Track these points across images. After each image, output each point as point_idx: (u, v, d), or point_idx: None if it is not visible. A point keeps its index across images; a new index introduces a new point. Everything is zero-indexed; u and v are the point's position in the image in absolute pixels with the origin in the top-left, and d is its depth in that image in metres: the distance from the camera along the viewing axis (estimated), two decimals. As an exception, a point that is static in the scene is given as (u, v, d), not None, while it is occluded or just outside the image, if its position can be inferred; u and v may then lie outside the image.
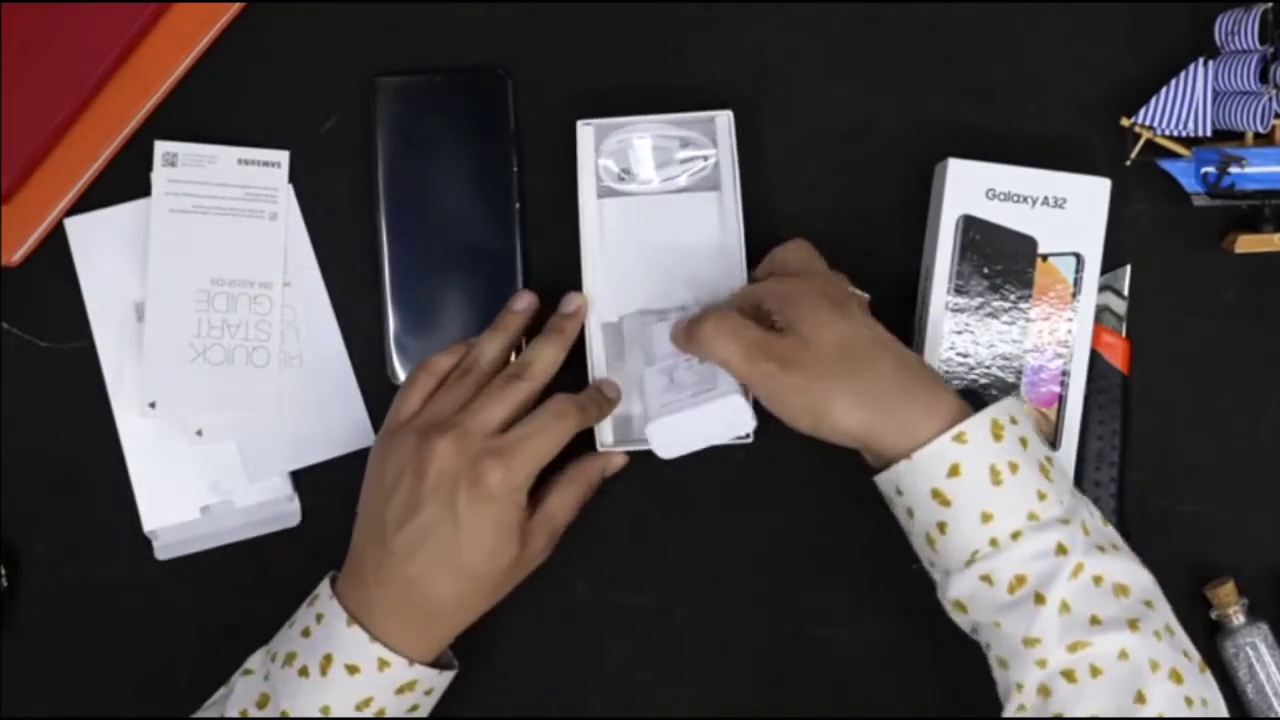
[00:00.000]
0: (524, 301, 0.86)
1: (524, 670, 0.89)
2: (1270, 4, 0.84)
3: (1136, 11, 0.89)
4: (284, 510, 0.89)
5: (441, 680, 0.81)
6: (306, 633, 0.79)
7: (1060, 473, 0.75)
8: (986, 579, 0.72)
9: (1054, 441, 0.84)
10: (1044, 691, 0.71)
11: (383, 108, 0.88)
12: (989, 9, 0.89)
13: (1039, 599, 0.71)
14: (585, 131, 0.85)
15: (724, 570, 0.89)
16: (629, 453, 0.86)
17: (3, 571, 0.88)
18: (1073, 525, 0.72)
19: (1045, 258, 0.84)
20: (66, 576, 0.89)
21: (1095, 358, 0.86)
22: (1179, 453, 0.89)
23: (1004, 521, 0.72)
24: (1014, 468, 0.73)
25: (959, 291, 0.84)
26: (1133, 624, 0.71)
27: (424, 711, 0.81)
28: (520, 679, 0.89)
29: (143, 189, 0.88)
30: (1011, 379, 0.84)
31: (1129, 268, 0.88)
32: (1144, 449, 0.88)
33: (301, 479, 0.89)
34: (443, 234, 0.88)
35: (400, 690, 0.78)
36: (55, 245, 0.88)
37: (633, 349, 0.85)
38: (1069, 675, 0.70)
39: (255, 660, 0.81)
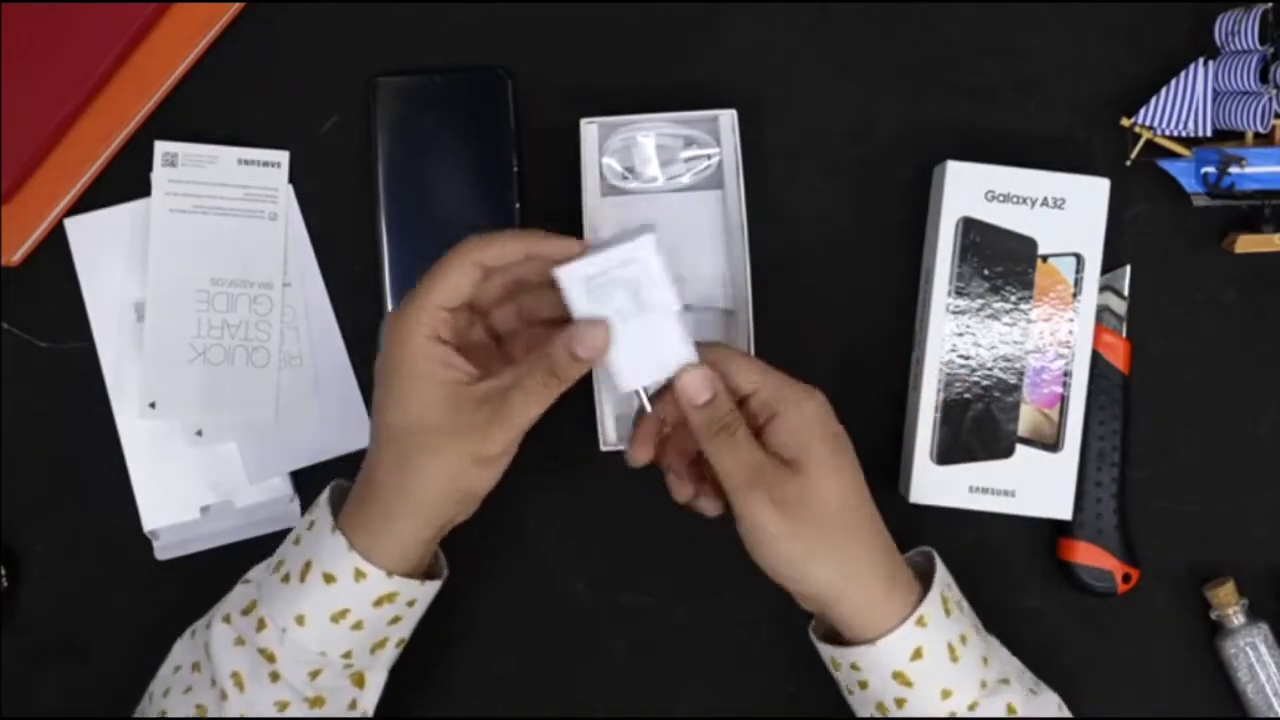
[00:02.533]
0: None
1: (524, 670, 0.89)
2: (1270, 4, 0.84)
3: (1136, 11, 0.89)
4: (284, 510, 0.89)
5: (425, 591, 0.77)
6: (297, 539, 0.77)
7: (975, 620, 0.78)
8: None
9: (1056, 442, 0.84)
10: None
11: (383, 108, 0.88)
12: (989, 9, 0.89)
13: None
14: (589, 130, 0.85)
15: (724, 570, 0.89)
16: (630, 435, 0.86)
17: (3, 571, 0.88)
18: (1012, 683, 0.76)
19: (1045, 258, 0.84)
20: (66, 576, 0.89)
21: (1096, 358, 0.86)
22: (1179, 453, 0.89)
23: (962, 696, 0.74)
24: (964, 639, 0.75)
25: (960, 293, 0.84)
26: None
27: (408, 621, 0.77)
28: (520, 679, 0.89)
29: (143, 189, 0.88)
30: (1013, 380, 0.84)
31: (1129, 268, 0.88)
32: (1144, 449, 0.88)
33: (301, 479, 0.89)
34: (443, 234, 0.88)
35: (378, 602, 0.75)
36: (55, 245, 0.88)
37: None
38: None
39: (256, 569, 0.79)
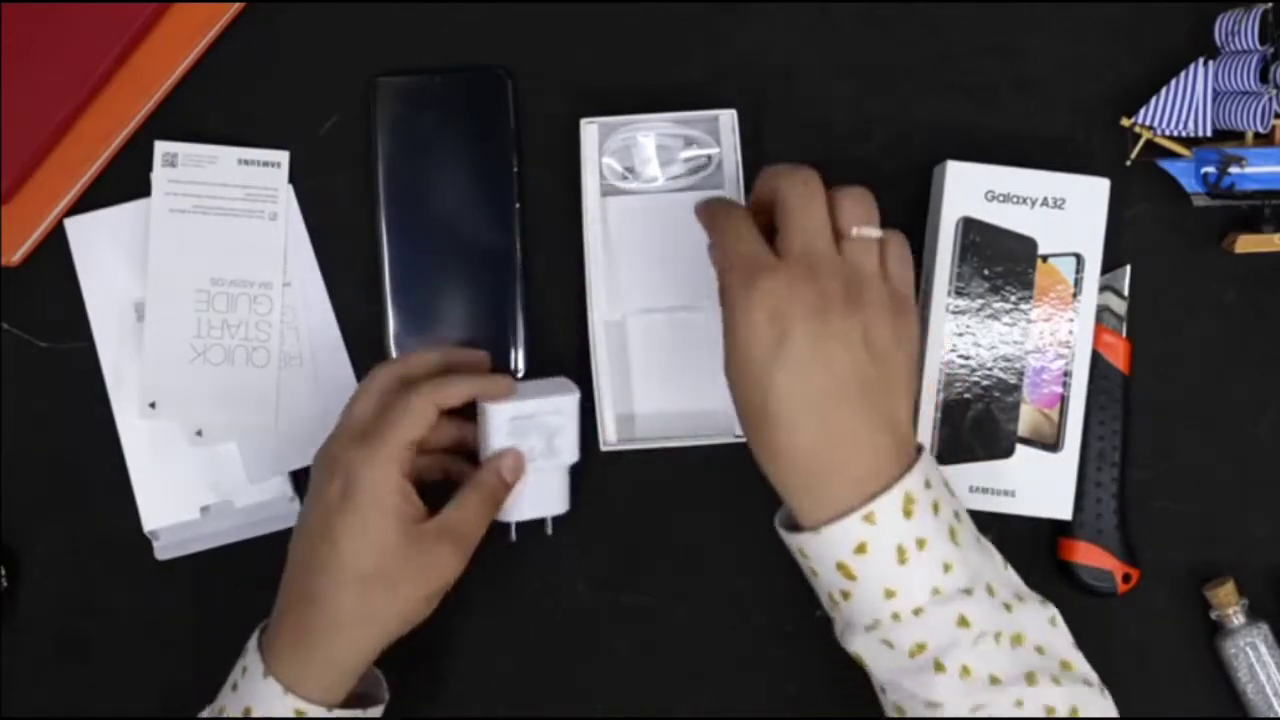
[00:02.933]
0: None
1: (524, 670, 0.89)
2: (1270, 4, 0.84)
3: (1136, 11, 0.89)
4: (284, 510, 0.89)
5: (370, 715, 0.79)
6: (235, 686, 0.78)
7: (968, 532, 0.74)
8: (887, 643, 0.72)
9: (1056, 442, 0.84)
10: None
11: (383, 108, 0.88)
12: (989, 9, 0.89)
13: (939, 667, 0.71)
14: (589, 130, 0.85)
15: (724, 570, 0.89)
16: (636, 451, 0.86)
17: (3, 571, 0.88)
18: (976, 593, 0.72)
19: (1045, 258, 0.84)
20: (66, 576, 0.89)
21: (1096, 358, 0.86)
22: (1179, 453, 0.89)
23: (907, 598, 0.71)
24: (921, 544, 0.71)
25: (959, 294, 0.84)
26: (1030, 677, 0.72)
27: None
28: (520, 679, 0.89)
29: (143, 189, 0.88)
30: (1013, 380, 0.84)
31: (1129, 268, 0.88)
32: (1144, 449, 0.88)
33: (301, 479, 0.89)
34: (443, 234, 0.88)
35: None
36: (55, 245, 0.88)
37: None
38: None
39: (205, 714, 0.80)
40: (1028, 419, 0.85)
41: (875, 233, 0.74)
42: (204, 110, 0.88)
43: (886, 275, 0.74)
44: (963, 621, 0.71)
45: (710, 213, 0.76)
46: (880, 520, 0.71)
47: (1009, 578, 0.75)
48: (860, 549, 0.71)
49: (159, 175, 0.87)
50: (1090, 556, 0.86)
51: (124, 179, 0.88)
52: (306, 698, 0.75)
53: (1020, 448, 0.85)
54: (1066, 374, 0.85)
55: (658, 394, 0.87)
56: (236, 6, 0.88)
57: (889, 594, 0.71)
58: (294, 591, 0.77)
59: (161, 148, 0.87)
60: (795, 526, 0.74)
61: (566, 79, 0.89)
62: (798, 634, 0.89)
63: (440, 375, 0.81)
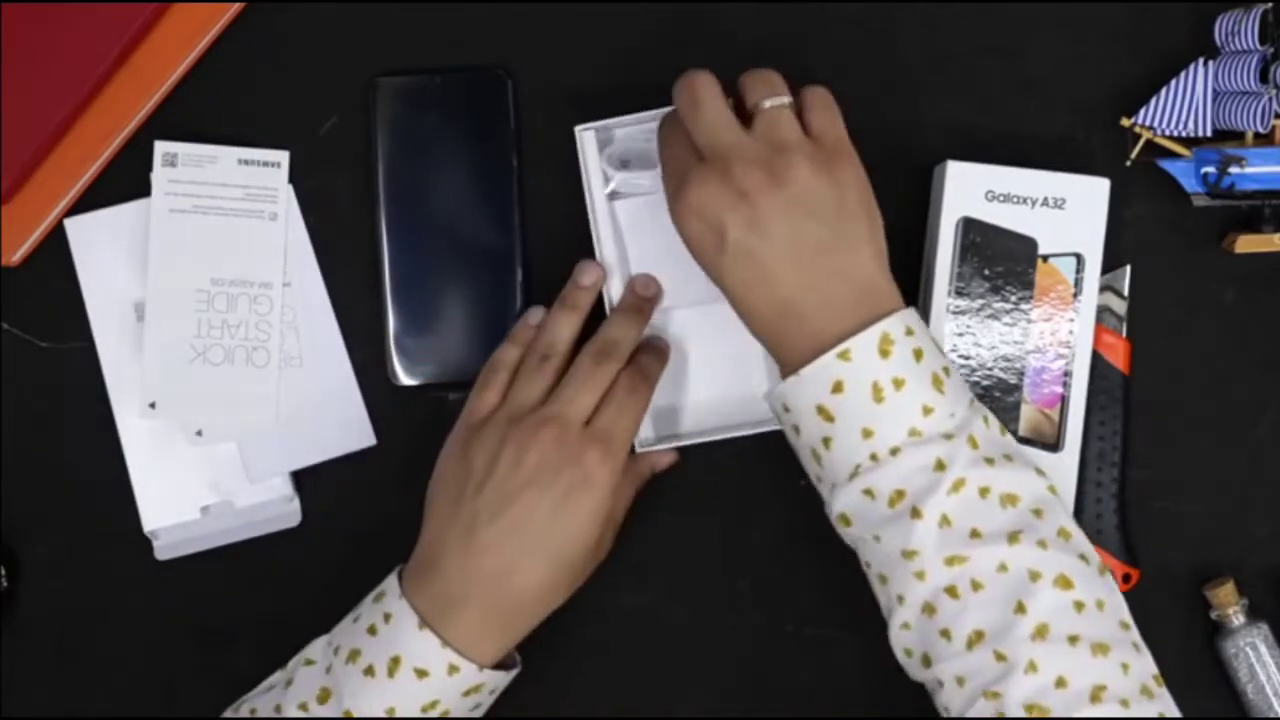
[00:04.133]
0: (591, 276, 0.85)
1: (524, 670, 0.89)
2: (1270, 4, 0.84)
3: (1136, 11, 0.89)
4: (284, 510, 0.89)
5: (506, 680, 0.81)
6: (373, 630, 0.78)
7: (956, 385, 0.74)
8: (868, 493, 0.72)
9: (1057, 442, 0.84)
10: (928, 609, 0.72)
11: (383, 108, 0.88)
12: (989, 9, 0.89)
13: (916, 513, 0.71)
14: (586, 137, 0.85)
15: (725, 570, 0.89)
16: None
17: (3, 571, 0.88)
18: (957, 440, 0.72)
19: (1046, 258, 0.84)
20: (66, 576, 0.89)
21: (1096, 358, 0.86)
22: (1179, 453, 0.89)
23: (884, 437, 0.72)
24: (899, 384, 0.72)
25: (960, 294, 0.84)
26: (1013, 536, 0.71)
27: (485, 709, 0.81)
28: (520, 679, 0.89)
29: (143, 189, 0.88)
30: (1014, 380, 0.84)
31: (1129, 268, 0.88)
32: (1144, 449, 0.88)
33: (301, 479, 0.89)
34: (443, 234, 0.88)
35: (467, 693, 0.78)
36: (55, 245, 0.88)
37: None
38: (951, 591, 0.71)
39: (316, 650, 0.80)
40: (1028, 419, 0.85)
41: (782, 99, 0.76)
42: (204, 110, 0.88)
43: (811, 133, 0.76)
44: (940, 465, 0.71)
45: (658, 132, 0.80)
46: (855, 357, 0.72)
47: (1000, 440, 0.75)
48: (837, 387, 0.72)
49: (159, 175, 0.87)
50: (1090, 556, 0.86)
51: (124, 179, 0.88)
52: (469, 656, 0.77)
53: (1021, 448, 0.85)
54: (1067, 374, 0.85)
55: (684, 390, 0.87)
56: (236, 6, 0.88)
57: (866, 433, 0.72)
58: (481, 561, 0.77)
59: (161, 148, 0.87)
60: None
61: (566, 79, 0.89)
62: (798, 634, 0.89)
63: (645, 360, 0.84)
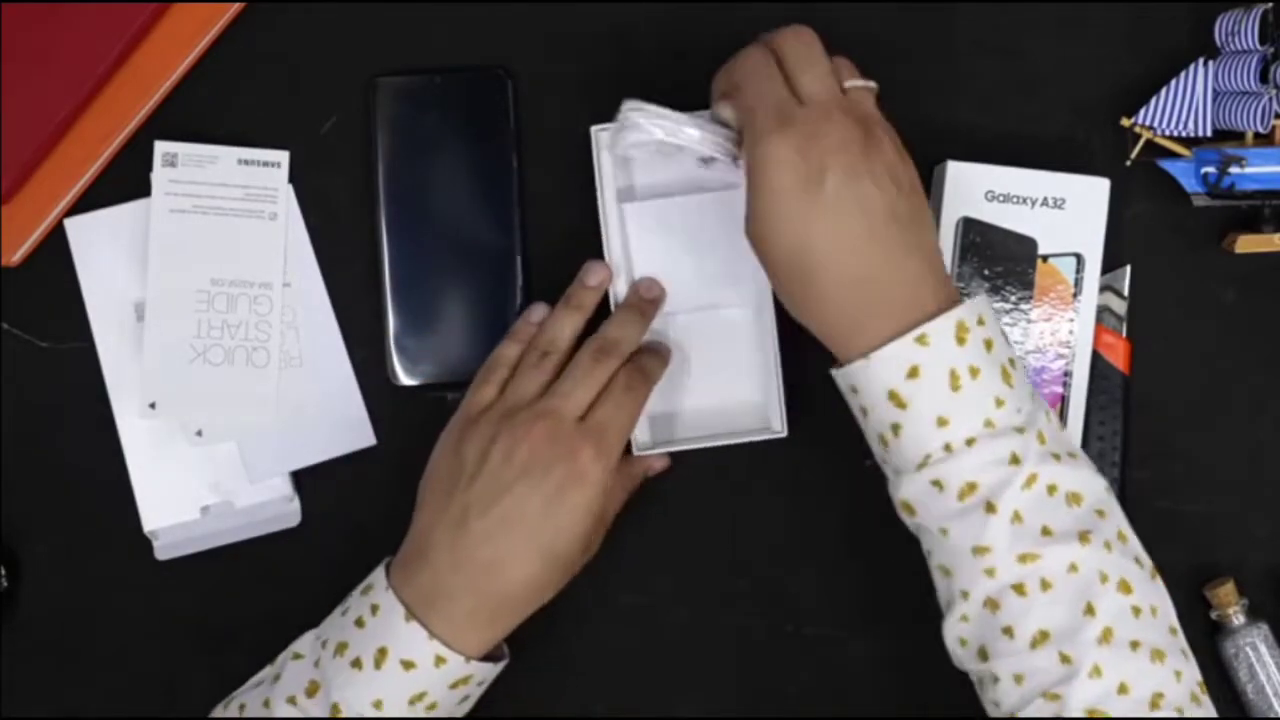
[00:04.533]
0: (598, 277, 0.84)
1: (524, 670, 0.89)
2: (1270, 4, 0.84)
3: (1136, 11, 0.89)
4: (284, 510, 0.89)
5: (494, 672, 0.81)
6: (360, 623, 0.78)
7: (1022, 378, 0.73)
8: (937, 484, 0.71)
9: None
10: (991, 605, 0.71)
11: (383, 108, 0.88)
12: (989, 9, 0.89)
13: (990, 508, 0.70)
14: (602, 138, 0.85)
15: (725, 570, 0.89)
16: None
17: (3, 571, 0.88)
18: (1028, 434, 0.71)
19: (1046, 259, 0.84)
20: (66, 576, 0.89)
21: (1096, 358, 0.86)
22: (1179, 453, 0.89)
23: (959, 427, 0.70)
24: (974, 372, 0.71)
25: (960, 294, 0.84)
26: (1083, 536, 0.70)
27: (473, 701, 0.81)
28: (520, 679, 0.89)
29: (143, 189, 0.88)
30: (1012, 379, 0.84)
31: (1129, 268, 0.88)
32: (1144, 449, 0.88)
33: (301, 479, 0.89)
34: (443, 234, 0.88)
35: (454, 685, 0.78)
36: (55, 245, 0.88)
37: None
38: (1019, 589, 0.70)
39: (304, 644, 0.80)
40: (1028, 419, 0.85)
41: (871, 84, 0.76)
42: (204, 110, 0.88)
43: None
44: (1014, 459, 0.70)
45: (736, 65, 0.77)
46: (933, 342, 0.70)
47: (1064, 436, 0.74)
48: (913, 372, 0.70)
49: (159, 175, 0.87)
50: (1090, 556, 0.86)
51: (124, 179, 0.88)
52: (455, 648, 0.77)
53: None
54: (1066, 374, 0.85)
55: (685, 394, 0.87)
56: (236, 6, 0.88)
57: (941, 422, 0.71)
58: (472, 553, 0.77)
59: (161, 148, 0.87)
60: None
61: (566, 79, 0.89)
62: (798, 634, 0.89)
63: (645, 360, 0.83)
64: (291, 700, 0.77)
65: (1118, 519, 0.73)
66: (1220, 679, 0.87)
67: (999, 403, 0.71)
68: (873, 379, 0.72)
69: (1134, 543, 0.73)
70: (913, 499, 0.73)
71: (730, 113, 0.77)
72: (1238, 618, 0.86)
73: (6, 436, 0.89)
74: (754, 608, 0.89)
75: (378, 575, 0.79)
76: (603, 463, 0.78)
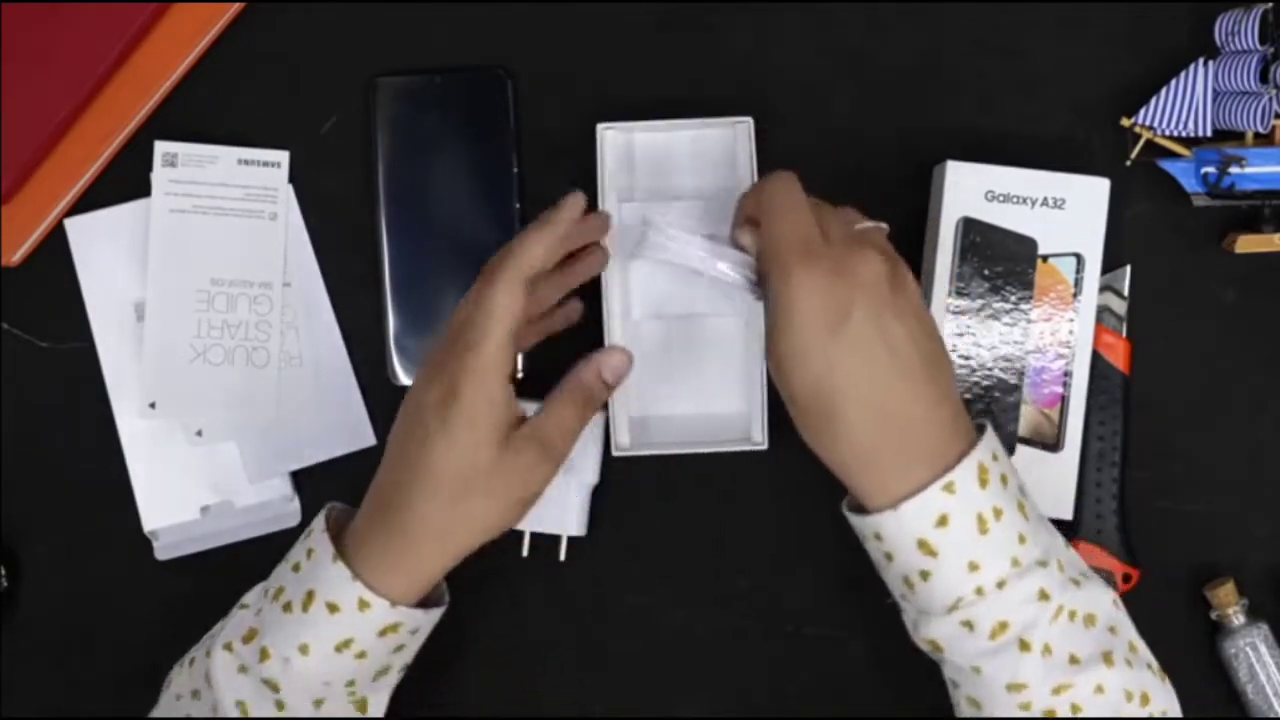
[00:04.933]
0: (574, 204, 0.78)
1: (524, 670, 0.89)
2: (1270, 4, 0.84)
3: (1136, 11, 0.89)
4: (284, 510, 0.89)
5: (428, 619, 0.77)
6: (297, 567, 0.76)
7: (1033, 506, 0.74)
8: (968, 624, 0.71)
9: (1057, 442, 0.84)
10: None
11: (383, 108, 0.88)
12: (989, 9, 0.89)
13: (1024, 646, 0.70)
14: (607, 136, 0.85)
15: (725, 570, 0.89)
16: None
17: (3, 571, 0.88)
18: (1050, 566, 0.71)
19: (1046, 259, 0.84)
20: (66, 576, 0.89)
21: (1096, 358, 0.86)
22: (1179, 453, 0.89)
23: (989, 570, 0.70)
24: (999, 514, 0.71)
25: (960, 294, 0.84)
26: (1106, 657, 0.71)
27: (411, 651, 0.78)
28: (520, 678, 0.89)
29: (143, 189, 0.88)
30: (1014, 380, 0.84)
31: (1129, 268, 0.88)
32: (1144, 449, 0.88)
33: (301, 479, 0.89)
34: (443, 234, 0.88)
35: (383, 632, 0.75)
36: (55, 245, 0.88)
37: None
38: (1049, 713, 0.71)
39: (251, 595, 0.79)
40: (1028, 419, 0.85)
41: (883, 225, 0.76)
42: (204, 110, 0.89)
43: None
44: (1043, 595, 0.71)
45: (766, 195, 0.74)
46: (960, 489, 0.70)
47: (1072, 556, 0.74)
48: (942, 521, 0.70)
49: (159, 175, 0.87)
50: (1090, 556, 0.86)
51: (124, 179, 0.88)
52: (379, 592, 0.74)
53: (1020, 448, 0.85)
54: (1067, 374, 0.85)
55: (669, 399, 0.87)
56: (236, 6, 0.88)
57: (972, 567, 0.70)
58: (383, 493, 0.75)
59: (161, 148, 0.87)
60: (862, 511, 0.72)
61: (566, 79, 0.89)
62: (798, 634, 0.89)
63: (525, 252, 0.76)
64: (228, 647, 0.76)
65: (1128, 632, 0.74)
66: (1220, 679, 0.88)
67: (1022, 539, 0.71)
68: (903, 529, 0.71)
69: (1143, 650, 0.74)
70: (942, 640, 0.73)
71: (750, 239, 0.76)
72: (1238, 618, 0.86)
73: (6, 436, 0.89)
74: (754, 608, 0.89)
75: (317, 519, 0.78)
76: (497, 372, 0.73)
